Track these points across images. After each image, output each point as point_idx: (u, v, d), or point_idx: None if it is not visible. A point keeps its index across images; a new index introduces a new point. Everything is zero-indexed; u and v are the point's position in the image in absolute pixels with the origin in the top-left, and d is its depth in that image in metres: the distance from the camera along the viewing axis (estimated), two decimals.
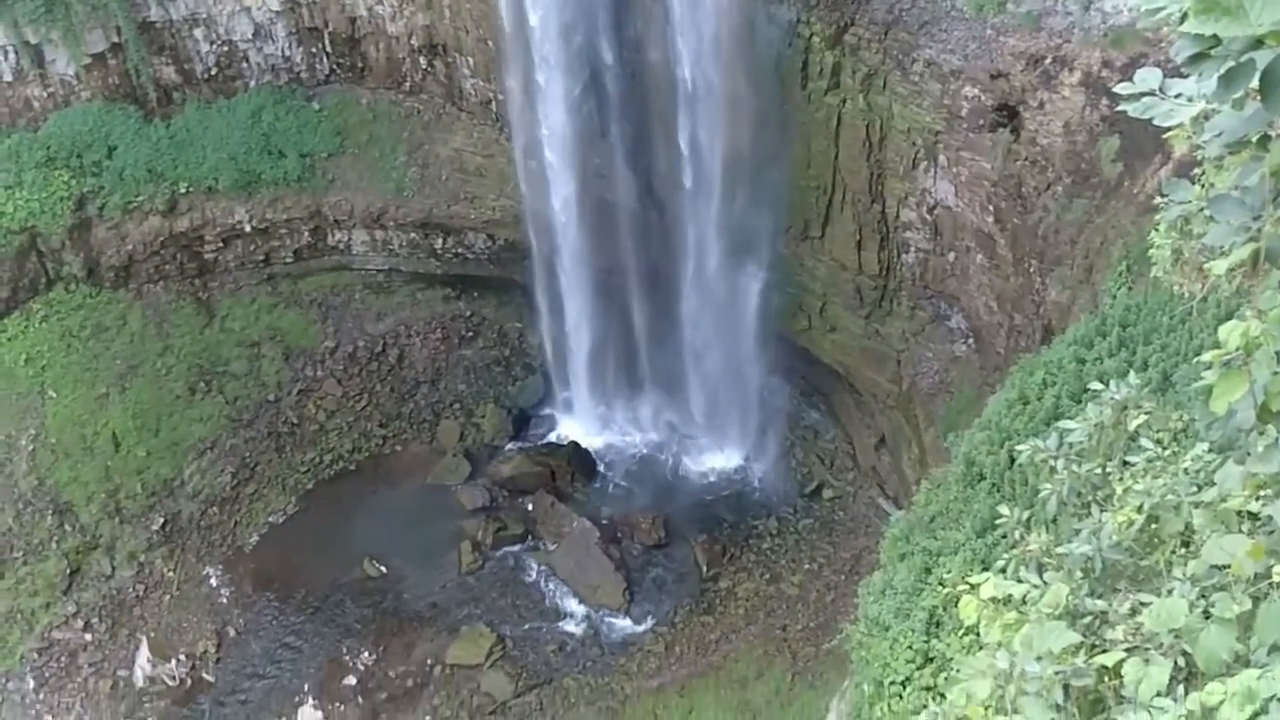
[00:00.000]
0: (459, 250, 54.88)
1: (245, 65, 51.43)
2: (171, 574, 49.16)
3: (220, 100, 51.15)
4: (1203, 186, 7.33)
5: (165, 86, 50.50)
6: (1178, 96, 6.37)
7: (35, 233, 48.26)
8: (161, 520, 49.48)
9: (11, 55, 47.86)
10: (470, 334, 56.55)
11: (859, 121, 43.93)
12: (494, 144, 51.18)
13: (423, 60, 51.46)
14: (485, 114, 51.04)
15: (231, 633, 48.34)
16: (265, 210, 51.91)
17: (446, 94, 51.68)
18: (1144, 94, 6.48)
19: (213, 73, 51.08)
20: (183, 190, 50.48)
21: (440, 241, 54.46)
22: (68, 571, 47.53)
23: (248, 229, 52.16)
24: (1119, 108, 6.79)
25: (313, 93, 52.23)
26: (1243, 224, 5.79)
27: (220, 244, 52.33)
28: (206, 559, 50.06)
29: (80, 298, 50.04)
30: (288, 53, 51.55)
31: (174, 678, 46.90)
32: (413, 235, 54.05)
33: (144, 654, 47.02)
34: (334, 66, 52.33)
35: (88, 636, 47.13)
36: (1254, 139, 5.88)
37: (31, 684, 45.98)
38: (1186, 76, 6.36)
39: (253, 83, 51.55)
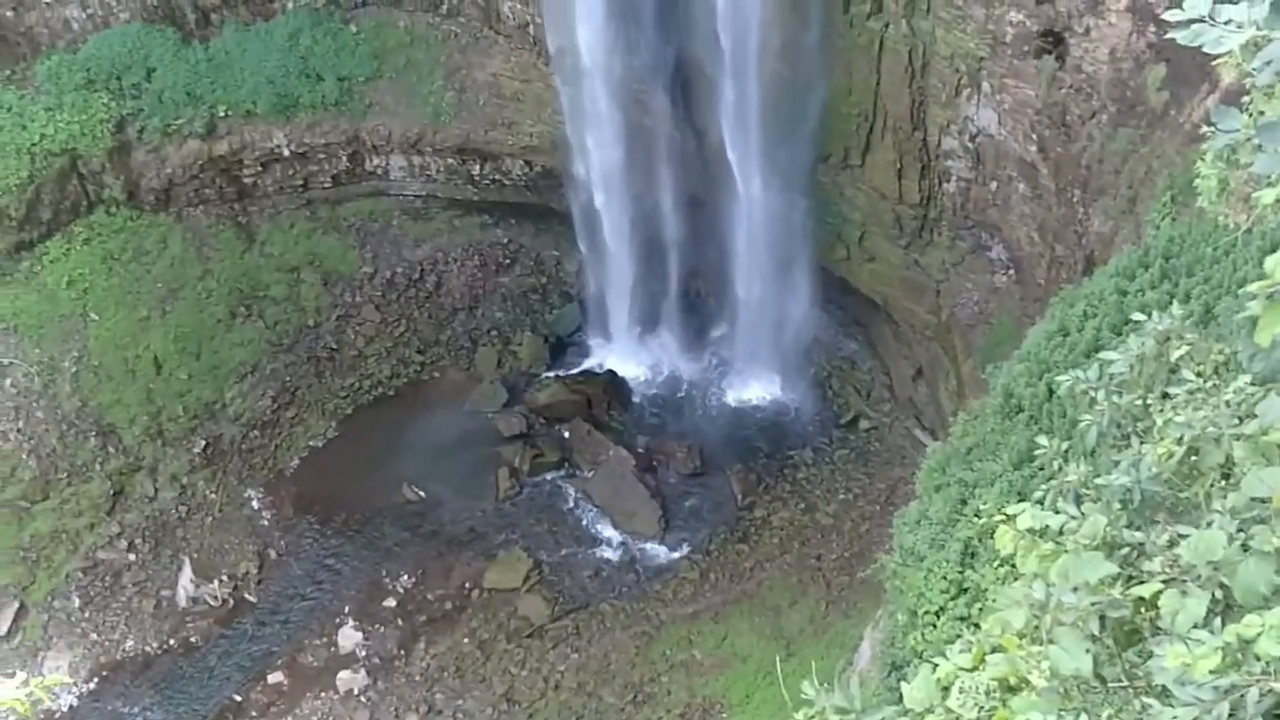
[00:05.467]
0: (496, 177, 54.75)
1: None
2: (213, 496, 49.77)
3: (258, 22, 50.87)
4: (1251, 115, 7.20)
5: (203, 8, 50.27)
6: (1227, 23, 6.25)
7: (76, 155, 48.37)
8: (203, 443, 50.02)
9: None
10: (508, 261, 56.55)
11: (901, 47, 43.36)
12: (532, 68, 50.82)
13: None
14: (523, 37, 50.66)
15: (273, 554, 48.99)
16: (303, 134, 51.86)
17: (484, 17, 51.26)
18: (1193, 20, 6.35)
19: None
20: (221, 113, 50.46)
21: (477, 168, 54.33)
22: (111, 492, 48.18)
23: (286, 153, 52.16)
24: (1167, 35, 6.67)
25: (350, 15, 51.87)
26: None
27: (259, 168, 52.38)
28: (248, 482, 50.63)
29: (121, 221, 50.22)
30: None
31: (216, 598, 47.64)
32: (450, 161, 53.92)
33: (187, 574, 47.76)
34: None
35: (131, 556, 47.86)
36: None
37: (77, 602, 46.81)
38: (1237, 2, 6.23)
39: (290, 4, 51.19)
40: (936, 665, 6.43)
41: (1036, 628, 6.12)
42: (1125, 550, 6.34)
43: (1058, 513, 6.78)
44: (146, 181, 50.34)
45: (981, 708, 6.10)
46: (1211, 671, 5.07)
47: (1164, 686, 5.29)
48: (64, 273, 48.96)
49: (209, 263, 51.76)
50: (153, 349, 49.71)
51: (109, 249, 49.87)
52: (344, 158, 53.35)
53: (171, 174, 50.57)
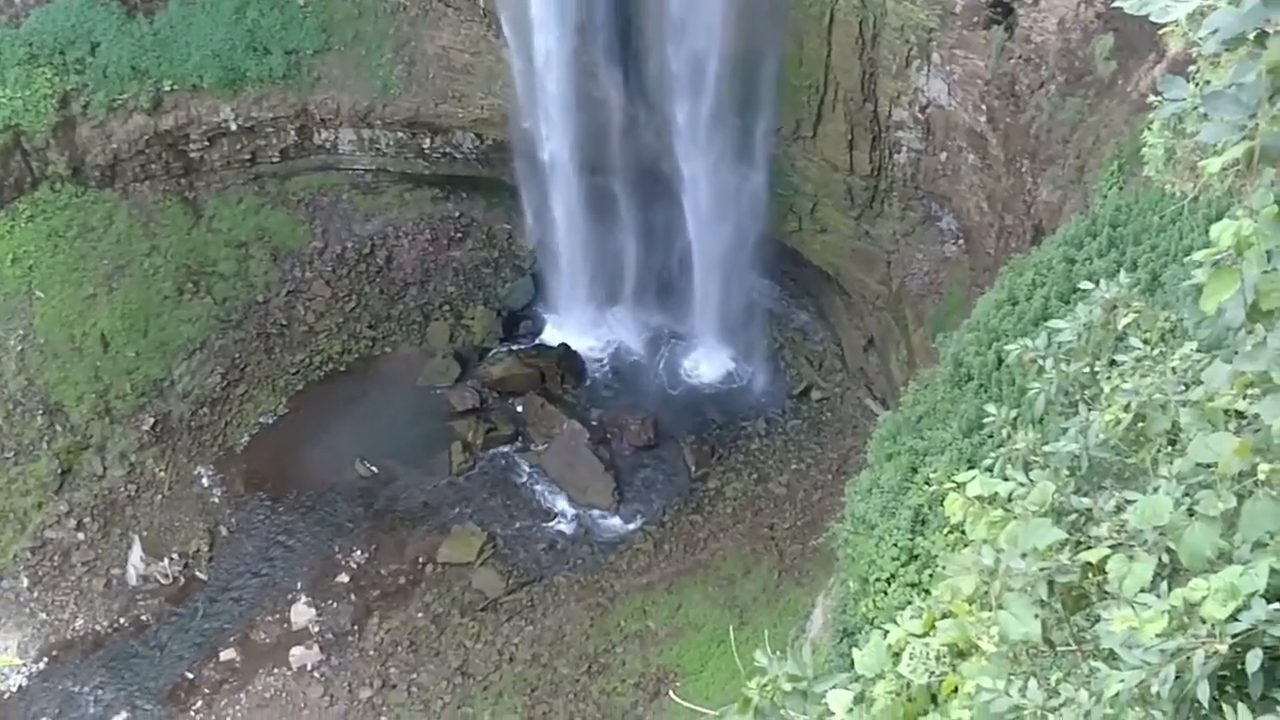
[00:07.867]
0: (447, 150, 54.39)
1: None
2: (163, 474, 49.35)
3: None
4: (1197, 84, 7.25)
5: None
6: None
7: (19, 131, 47.67)
8: (152, 420, 49.56)
9: None
10: (459, 235, 56.25)
11: (852, 18, 43.40)
12: (482, 41, 50.47)
13: None
14: (473, 9, 50.24)
15: (224, 532, 48.68)
16: (250, 108, 51.29)
17: None
18: None
19: None
20: (167, 88, 49.82)
21: (428, 141, 53.94)
22: (59, 471, 47.69)
23: (233, 127, 51.58)
24: (1114, 4, 6.69)
25: None
26: (1238, 121, 5.72)
27: (206, 143, 51.77)
28: (197, 459, 50.24)
29: (66, 197, 49.58)
30: None
31: (167, 576, 47.31)
32: (400, 134, 53.51)
33: (137, 553, 47.38)
34: None
35: (80, 535, 47.42)
36: (1251, 35, 5.80)
37: (26, 582, 46.37)
38: None
39: None
40: (887, 631, 6.47)
41: (986, 593, 6.16)
42: (1073, 516, 6.38)
43: (1006, 480, 6.82)
44: (91, 157, 49.67)
45: (932, 673, 6.14)
46: (1158, 635, 5.12)
47: (1111, 650, 5.34)
48: (8, 250, 48.32)
49: (156, 239, 51.17)
50: (100, 326, 49.16)
51: (54, 226, 49.23)
52: (292, 132, 52.81)
53: (117, 149, 49.91)
